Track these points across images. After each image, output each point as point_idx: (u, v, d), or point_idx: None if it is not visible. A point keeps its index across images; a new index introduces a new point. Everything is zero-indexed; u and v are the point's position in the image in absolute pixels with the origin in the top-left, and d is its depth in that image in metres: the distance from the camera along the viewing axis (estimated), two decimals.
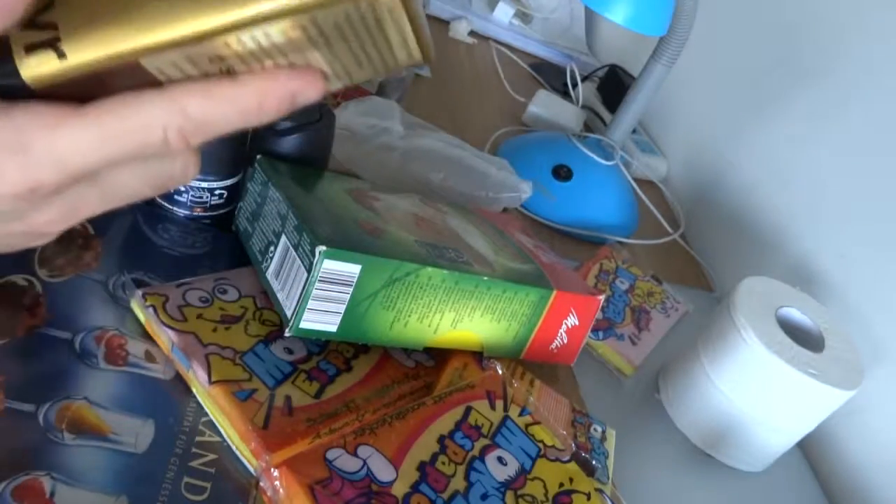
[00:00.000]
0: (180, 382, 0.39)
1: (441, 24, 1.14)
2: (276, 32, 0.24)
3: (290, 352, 0.42)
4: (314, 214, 0.42)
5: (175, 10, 0.23)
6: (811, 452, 0.70)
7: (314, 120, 0.49)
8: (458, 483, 0.38)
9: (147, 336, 0.41)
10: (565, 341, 0.52)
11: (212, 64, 0.24)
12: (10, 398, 0.34)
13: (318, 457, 0.35)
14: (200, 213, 0.48)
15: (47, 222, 0.30)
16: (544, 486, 0.41)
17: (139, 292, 0.41)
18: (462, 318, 0.45)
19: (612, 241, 0.80)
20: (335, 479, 0.34)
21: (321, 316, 0.40)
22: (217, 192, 0.47)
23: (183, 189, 0.46)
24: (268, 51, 0.24)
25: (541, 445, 0.44)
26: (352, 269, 0.39)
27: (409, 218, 0.48)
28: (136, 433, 0.35)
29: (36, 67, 0.23)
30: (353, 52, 0.26)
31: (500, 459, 0.41)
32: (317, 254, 0.38)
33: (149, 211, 0.47)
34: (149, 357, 0.40)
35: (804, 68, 0.84)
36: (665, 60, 0.75)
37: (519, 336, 0.49)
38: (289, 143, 0.48)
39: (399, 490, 0.36)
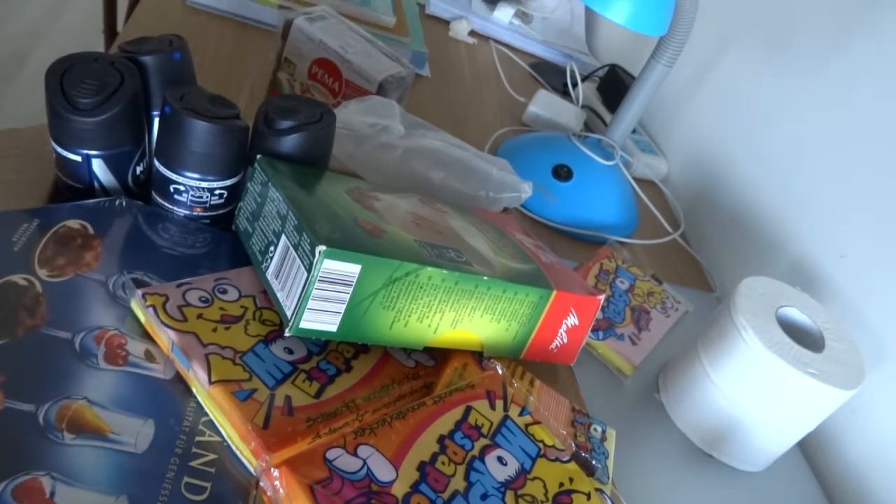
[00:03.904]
0: (180, 382, 0.39)
1: (441, 24, 1.14)
2: None
3: (290, 352, 0.42)
4: (314, 214, 0.42)
5: None
6: (811, 452, 0.70)
7: (314, 120, 0.49)
8: (458, 483, 0.38)
9: (147, 336, 0.41)
10: (565, 341, 0.52)
11: None
12: (10, 398, 0.34)
13: (318, 457, 0.35)
14: (200, 213, 0.48)
15: None
16: (544, 486, 0.41)
17: (139, 292, 0.41)
18: (462, 318, 0.45)
19: (612, 241, 0.80)
20: (335, 479, 0.34)
21: (321, 316, 0.40)
22: (217, 191, 0.47)
23: (183, 189, 0.46)
24: None
25: (541, 445, 0.44)
26: (352, 269, 0.39)
27: (409, 218, 0.48)
28: (136, 433, 0.35)
29: None
30: None
31: (500, 459, 0.41)
32: (317, 254, 0.38)
33: (149, 211, 0.47)
34: (149, 357, 0.40)
35: (804, 68, 0.84)
36: (665, 60, 0.75)
37: (519, 336, 0.49)
38: (289, 143, 0.48)
39: (399, 490, 0.36)
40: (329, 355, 0.43)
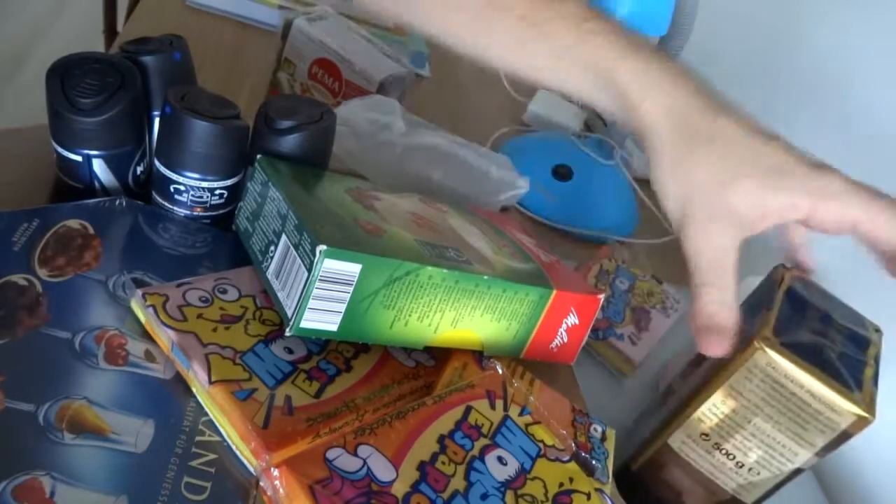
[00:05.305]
0: (180, 382, 0.39)
1: None
2: None
3: (291, 351, 0.42)
4: (314, 214, 0.42)
5: None
6: None
7: (314, 120, 0.49)
8: (458, 483, 0.38)
9: (147, 336, 0.41)
10: (565, 340, 0.52)
11: None
12: (10, 398, 0.34)
13: (318, 456, 0.35)
14: (200, 213, 0.48)
15: None
16: (544, 486, 0.41)
17: (139, 292, 0.41)
18: (462, 318, 0.45)
19: (612, 240, 0.80)
20: (335, 479, 0.34)
21: (322, 315, 0.40)
22: (217, 191, 0.47)
23: (183, 189, 0.46)
24: None
25: (541, 445, 0.44)
26: (352, 269, 0.39)
27: (409, 217, 0.48)
28: (136, 433, 0.35)
29: None
30: None
31: (500, 459, 0.41)
32: (317, 253, 0.38)
33: (149, 211, 0.47)
34: (149, 357, 0.40)
35: (804, 68, 0.84)
36: None
37: (519, 335, 0.49)
38: (289, 143, 0.48)
39: (399, 490, 0.36)
40: (329, 355, 0.43)
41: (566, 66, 0.42)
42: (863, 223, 0.39)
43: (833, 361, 0.44)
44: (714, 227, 0.39)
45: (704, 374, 0.47)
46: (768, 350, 0.42)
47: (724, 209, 0.39)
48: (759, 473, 0.45)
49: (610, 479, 0.47)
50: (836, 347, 0.45)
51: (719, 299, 0.40)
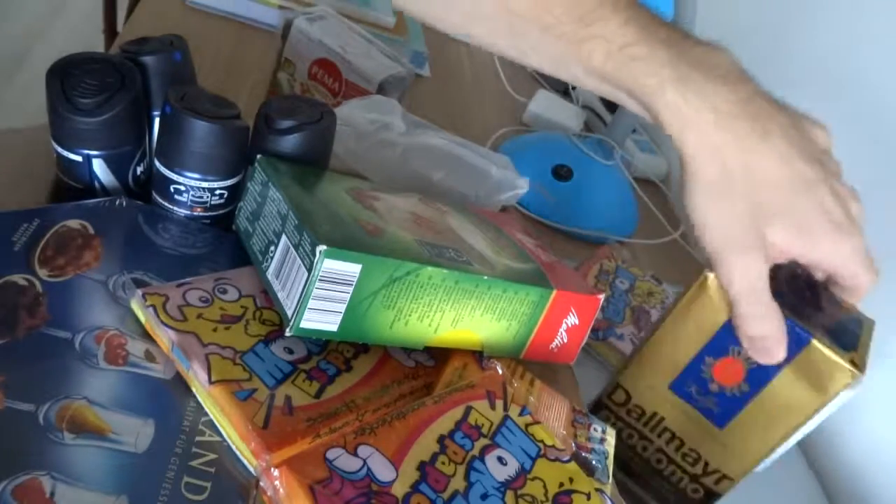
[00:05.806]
0: (180, 382, 0.39)
1: None
2: None
3: (291, 351, 0.42)
4: (314, 214, 0.42)
5: None
6: (811, 452, 0.70)
7: (314, 120, 0.49)
8: (458, 483, 0.38)
9: (147, 336, 0.41)
10: (565, 340, 0.52)
11: None
12: (10, 398, 0.34)
13: (318, 457, 0.35)
14: (201, 213, 0.48)
15: None
16: (544, 486, 0.41)
17: (139, 292, 0.41)
18: (462, 318, 0.45)
19: (612, 241, 0.80)
20: (335, 479, 0.34)
21: (322, 315, 0.40)
22: (217, 191, 0.47)
23: (183, 189, 0.46)
24: None
25: (541, 445, 0.44)
26: (352, 269, 0.39)
27: (409, 217, 0.48)
28: (136, 433, 0.35)
29: None
30: None
31: (500, 459, 0.41)
32: (317, 253, 0.38)
33: (149, 211, 0.47)
34: (149, 357, 0.40)
35: (803, 67, 0.84)
36: None
37: (519, 335, 0.49)
38: (289, 143, 0.48)
39: (399, 490, 0.36)
40: (329, 355, 0.44)
41: (607, 88, 0.43)
42: (842, 279, 0.46)
43: (828, 328, 0.48)
44: (751, 258, 0.42)
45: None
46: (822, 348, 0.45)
47: (759, 239, 0.41)
48: None
49: (610, 479, 0.47)
50: (817, 313, 0.49)
51: (767, 325, 0.43)
